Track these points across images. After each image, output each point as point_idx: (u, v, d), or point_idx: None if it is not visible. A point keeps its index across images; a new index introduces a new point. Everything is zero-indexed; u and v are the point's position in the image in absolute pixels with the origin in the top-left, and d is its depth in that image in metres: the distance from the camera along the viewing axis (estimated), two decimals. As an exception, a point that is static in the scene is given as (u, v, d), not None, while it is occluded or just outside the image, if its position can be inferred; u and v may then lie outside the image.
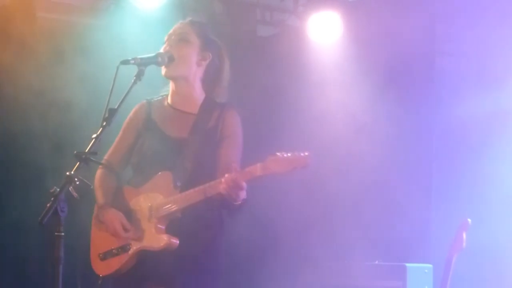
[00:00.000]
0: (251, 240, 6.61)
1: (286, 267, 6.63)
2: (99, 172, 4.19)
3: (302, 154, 3.75)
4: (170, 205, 3.95)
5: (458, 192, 6.31)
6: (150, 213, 3.99)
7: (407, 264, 5.98)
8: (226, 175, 3.77)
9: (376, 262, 6.19)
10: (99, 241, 4.10)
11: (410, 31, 6.38)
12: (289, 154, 3.76)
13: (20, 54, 5.85)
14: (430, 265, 6.02)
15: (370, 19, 6.59)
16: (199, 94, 4.17)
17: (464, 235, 5.08)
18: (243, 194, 3.82)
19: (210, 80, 4.19)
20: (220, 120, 4.09)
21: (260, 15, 7.34)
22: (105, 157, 4.19)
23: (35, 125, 5.88)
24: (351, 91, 6.60)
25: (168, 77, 4.14)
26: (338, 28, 6.66)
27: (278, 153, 3.75)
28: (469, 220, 5.10)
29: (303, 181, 6.75)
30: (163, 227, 3.96)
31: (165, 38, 4.17)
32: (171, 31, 4.17)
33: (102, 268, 4.08)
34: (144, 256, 3.99)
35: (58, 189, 3.40)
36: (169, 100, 4.20)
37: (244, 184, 3.78)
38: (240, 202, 3.87)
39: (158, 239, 3.95)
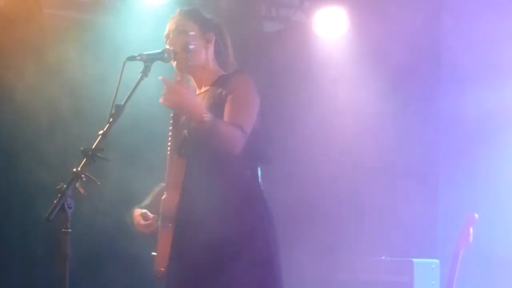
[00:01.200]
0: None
1: (291, 262, 6.63)
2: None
3: None
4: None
5: (465, 187, 6.30)
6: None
7: (414, 260, 5.98)
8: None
9: (383, 257, 6.19)
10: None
11: (416, 26, 6.37)
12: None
13: (26, 51, 5.87)
14: (437, 260, 6.01)
15: (376, 14, 6.58)
16: (215, 73, 4.10)
17: (471, 230, 5.08)
18: (188, 104, 3.69)
19: (221, 56, 4.14)
20: (227, 85, 3.95)
21: (265, 11, 7.34)
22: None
23: (41, 122, 5.90)
24: (357, 86, 6.60)
25: (181, 70, 4.11)
26: (344, 24, 6.65)
27: None
28: (476, 215, 5.10)
29: (311, 175, 6.77)
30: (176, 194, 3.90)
31: (164, 39, 4.12)
32: (166, 31, 4.11)
33: (157, 263, 3.97)
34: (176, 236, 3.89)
35: (65, 186, 3.41)
36: (196, 91, 4.16)
37: (181, 89, 3.69)
38: (200, 122, 3.70)
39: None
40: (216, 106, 3.87)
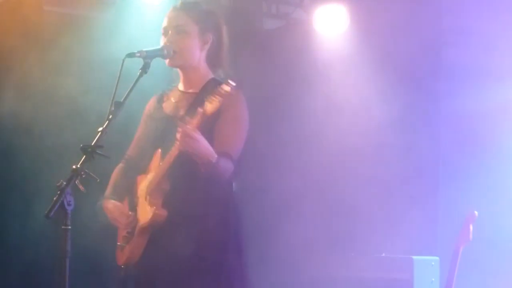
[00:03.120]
0: (255, 229, 6.63)
1: (292, 259, 6.64)
2: (117, 167, 4.28)
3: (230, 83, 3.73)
4: (154, 177, 3.99)
5: (465, 184, 6.29)
6: (146, 192, 4.03)
7: (414, 257, 5.97)
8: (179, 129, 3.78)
9: (383, 254, 6.19)
10: (119, 233, 4.16)
11: (416, 22, 6.36)
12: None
13: (26, 48, 5.86)
14: (437, 258, 6.01)
15: (376, 11, 6.58)
16: (205, 75, 4.15)
17: (471, 227, 5.08)
18: (199, 147, 3.79)
19: (213, 57, 4.18)
20: (218, 98, 3.88)
21: (266, 8, 7.34)
22: (127, 152, 4.28)
23: (42, 119, 5.89)
24: (357, 83, 6.59)
25: (173, 66, 4.15)
26: (344, 21, 6.65)
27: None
28: (476, 212, 5.09)
29: (312, 173, 6.76)
30: (157, 202, 3.97)
31: (162, 30, 4.14)
32: (165, 22, 4.12)
33: (120, 258, 4.14)
34: (152, 240, 4.02)
35: (65, 183, 3.41)
36: (180, 87, 4.21)
37: (195, 135, 3.76)
38: (204, 161, 3.83)
39: (147, 212, 3.99)
40: (205, 124, 3.86)
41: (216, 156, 3.83)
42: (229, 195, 4.11)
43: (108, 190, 4.18)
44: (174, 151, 3.87)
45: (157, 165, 4.02)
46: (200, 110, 3.76)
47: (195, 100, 4.05)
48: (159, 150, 4.04)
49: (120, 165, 4.27)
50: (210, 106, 3.75)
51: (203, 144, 3.81)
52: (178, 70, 4.19)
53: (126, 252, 4.10)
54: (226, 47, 4.21)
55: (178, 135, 3.78)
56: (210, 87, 4.00)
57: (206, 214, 4.00)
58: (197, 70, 4.14)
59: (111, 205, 4.11)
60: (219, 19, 4.21)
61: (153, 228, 3.98)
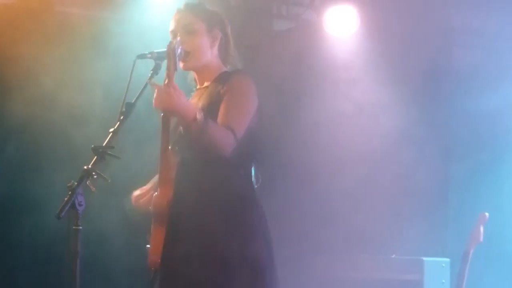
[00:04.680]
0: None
1: (302, 260, 6.63)
2: None
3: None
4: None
5: (476, 186, 6.29)
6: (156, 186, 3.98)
7: (424, 258, 5.97)
8: None
9: (393, 255, 6.18)
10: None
11: (427, 24, 6.36)
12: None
13: (38, 48, 5.88)
14: (448, 259, 6.00)
15: (387, 12, 6.57)
16: (217, 70, 4.11)
17: (482, 229, 5.07)
18: (179, 105, 3.66)
19: (224, 52, 4.14)
20: (226, 83, 3.93)
21: (276, 9, 7.33)
22: None
23: (53, 119, 5.90)
24: (367, 85, 6.59)
25: (187, 69, 4.14)
26: (355, 22, 6.64)
27: None
28: (487, 213, 5.09)
29: (321, 173, 6.76)
30: (167, 192, 3.88)
31: (170, 34, 4.09)
32: (172, 25, 4.08)
33: (151, 256, 3.97)
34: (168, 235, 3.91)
35: (76, 183, 3.42)
36: (197, 86, 4.19)
37: (170, 89, 3.64)
38: (192, 124, 3.67)
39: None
40: (213, 105, 3.85)
41: (201, 115, 3.67)
42: (246, 187, 3.94)
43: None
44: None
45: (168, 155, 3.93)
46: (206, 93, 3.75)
47: (207, 91, 4.00)
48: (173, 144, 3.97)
49: None
50: (216, 87, 3.79)
51: (181, 100, 3.66)
52: (193, 73, 4.18)
53: (150, 252, 3.94)
54: (233, 43, 4.21)
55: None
56: (220, 78, 3.99)
57: (214, 204, 3.85)
58: (210, 67, 4.10)
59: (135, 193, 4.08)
60: (223, 17, 4.21)
61: (159, 216, 3.86)
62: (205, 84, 4.10)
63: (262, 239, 3.92)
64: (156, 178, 4.02)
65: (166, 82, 3.68)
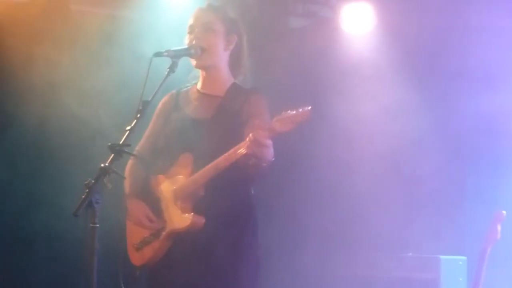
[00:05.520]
0: (281, 227, 6.63)
1: (318, 258, 6.63)
2: (129, 163, 4.24)
3: (305, 109, 3.74)
4: (190, 184, 3.98)
5: (493, 184, 6.26)
6: (175, 196, 4.03)
7: (441, 256, 5.95)
8: (250, 134, 3.76)
9: (410, 254, 6.17)
10: (132, 232, 4.14)
11: (443, 21, 6.33)
12: (293, 112, 3.73)
13: (54, 47, 5.89)
14: (464, 257, 5.98)
15: (403, 9, 6.55)
16: (227, 79, 4.19)
17: (499, 227, 5.05)
18: (268, 153, 3.79)
19: (235, 60, 4.21)
20: (246, 103, 4.07)
21: (292, 7, 7.33)
22: (136, 147, 4.23)
23: (69, 118, 5.92)
24: (384, 82, 6.57)
25: (200, 67, 4.16)
26: (371, 19, 6.63)
27: (283, 112, 3.74)
28: (504, 212, 5.06)
29: (336, 172, 6.75)
30: (188, 207, 3.99)
31: (188, 29, 4.16)
32: (192, 21, 4.15)
33: (138, 259, 4.13)
34: (176, 242, 4.02)
35: (93, 181, 3.43)
36: (198, 87, 4.23)
37: (267, 142, 3.74)
38: (267, 164, 3.83)
39: (183, 219, 3.98)
40: (230, 125, 4.00)
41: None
42: (249, 197, 4.14)
43: (128, 188, 4.17)
44: (222, 162, 3.87)
45: (189, 171, 4.01)
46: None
47: (221, 103, 4.10)
48: (189, 154, 4.03)
49: (131, 161, 4.23)
50: (231, 103, 3.97)
51: (271, 149, 3.81)
52: (200, 72, 4.20)
53: (146, 253, 4.09)
54: (247, 54, 4.24)
55: (248, 138, 3.75)
56: (234, 93, 4.09)
57: (233, 215, 4.04)
58: (220, 71, 4.17)
59: (135, 205, 4.12)
60: (242, 26, 4.24)
61: (188, 234, 3.98)
62: (214, 93, 4.14)
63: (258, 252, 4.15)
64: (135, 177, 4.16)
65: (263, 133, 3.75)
